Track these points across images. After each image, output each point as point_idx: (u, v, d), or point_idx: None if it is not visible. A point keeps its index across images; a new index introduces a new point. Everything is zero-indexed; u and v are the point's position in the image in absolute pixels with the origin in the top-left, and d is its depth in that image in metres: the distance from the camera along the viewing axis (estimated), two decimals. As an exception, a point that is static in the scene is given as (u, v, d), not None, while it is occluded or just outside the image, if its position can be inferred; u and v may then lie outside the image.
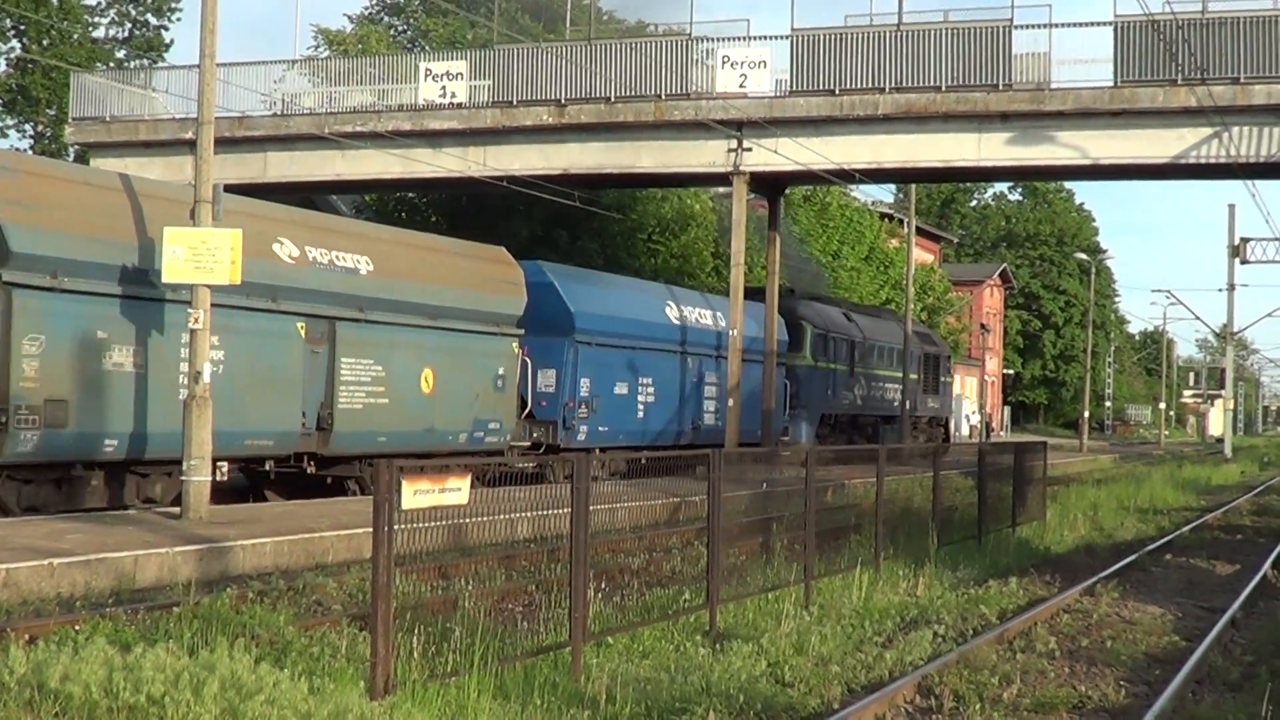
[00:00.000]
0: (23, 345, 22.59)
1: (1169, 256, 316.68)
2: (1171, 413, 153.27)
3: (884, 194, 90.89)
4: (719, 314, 44.76)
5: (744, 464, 20.36)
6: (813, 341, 51.62)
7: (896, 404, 59.11)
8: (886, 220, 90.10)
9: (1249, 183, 43.72)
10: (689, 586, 17.37)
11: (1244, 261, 65.86)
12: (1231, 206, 72.82)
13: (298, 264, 28.05)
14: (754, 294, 45.53)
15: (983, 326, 75.98)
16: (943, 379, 68.15)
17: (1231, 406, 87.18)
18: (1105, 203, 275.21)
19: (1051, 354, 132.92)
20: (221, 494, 26.62)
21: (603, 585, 17.50)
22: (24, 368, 22.57)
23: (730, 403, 40.89)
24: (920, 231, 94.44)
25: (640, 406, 40.24)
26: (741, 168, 40.69)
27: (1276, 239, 63.83)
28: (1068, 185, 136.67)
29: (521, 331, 34.93)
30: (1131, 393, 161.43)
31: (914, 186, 68.90)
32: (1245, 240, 66.12)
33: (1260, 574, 24.13)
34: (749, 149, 40.31)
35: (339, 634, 14.70)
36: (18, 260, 22.68)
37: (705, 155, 41.17)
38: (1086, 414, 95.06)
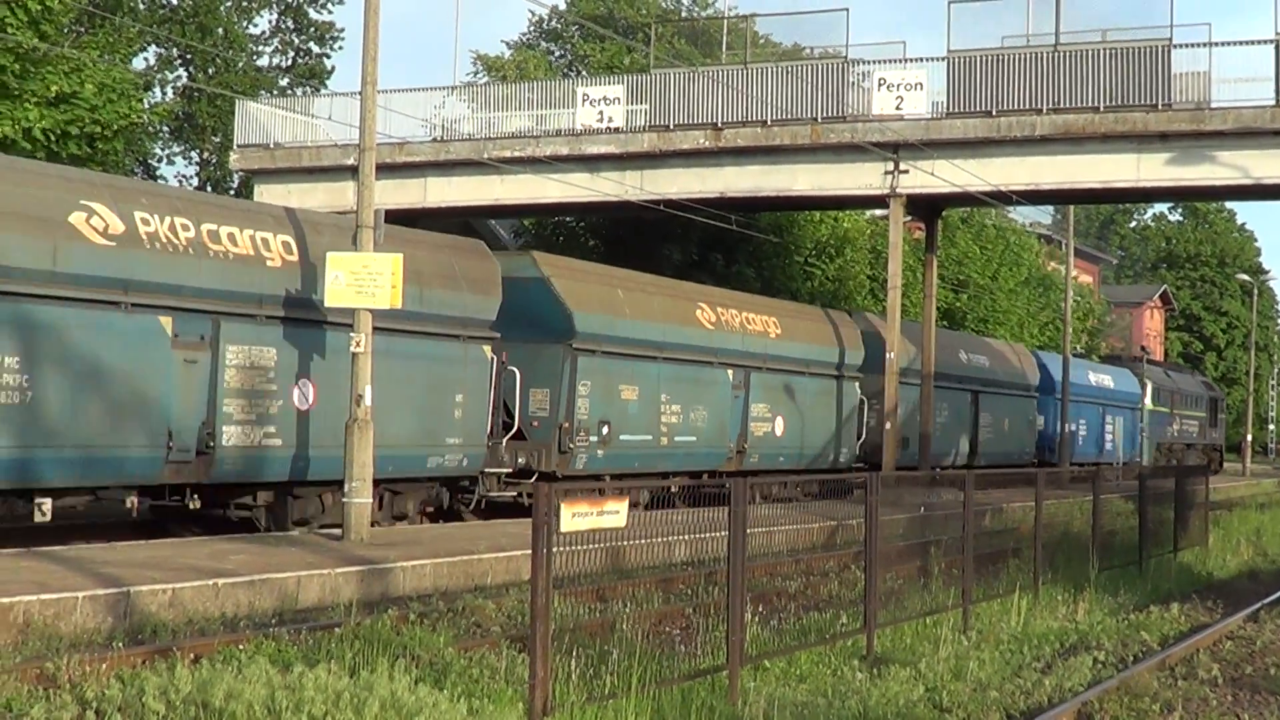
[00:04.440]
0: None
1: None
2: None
3: (1042, 216, 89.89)
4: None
5: (901, 487, 20.24)
6: (1152, 392, 72.11)
7: (1194, 436, 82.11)
8: (1045, 242, 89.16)
9: None
10: (846, 610, 17.28)
11: None
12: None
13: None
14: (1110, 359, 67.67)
15: (1143, 349, 74.94)
16: (1220, 416, 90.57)
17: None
18: (1268, 222, 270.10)
19: (1213, 376, 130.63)
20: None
21: (759, 609, 17.48)
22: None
23: (888, 426, 40.64)
24: (1079, 253, 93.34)
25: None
26: (898, 190, 40.51)
27: None
28: (1229, 205, 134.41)
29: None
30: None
31: (1072, 208, 68.07)
32: None
33: None
34: (905, 171, 40.10)
35: (498, 656, 14.77)
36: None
37: (861, 178, 41.02)
38: (1250, 437, 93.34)
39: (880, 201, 43.03)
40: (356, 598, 19.19)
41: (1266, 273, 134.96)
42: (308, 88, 62.06)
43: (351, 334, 24.14)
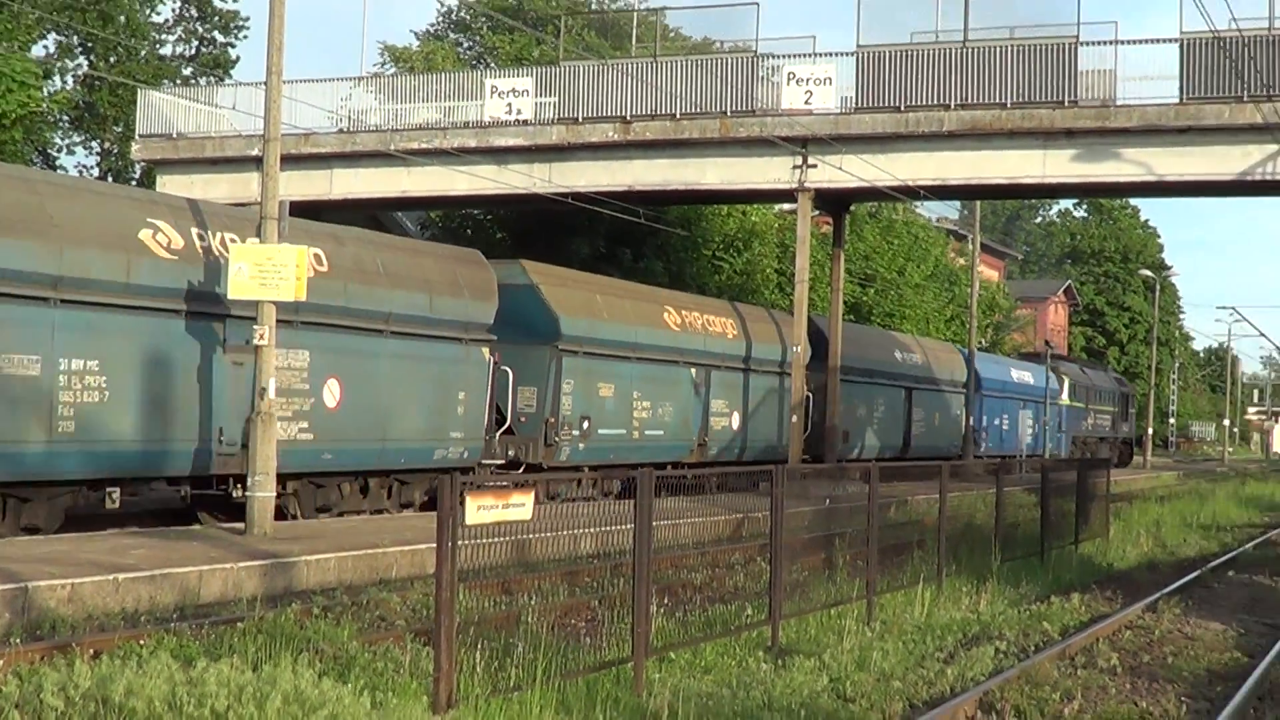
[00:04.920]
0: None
1: (1234, 273, 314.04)
2: (1236, 429, 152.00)
3: (949, 211, 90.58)
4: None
5: (807, 480, 20.31)
6: (1069, 388, 76.63)
7: (1108, 429, 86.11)
8: (952, 237, 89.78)
9: (1316, 199, 43.41)
10: (751, 602, 17.33)
11: (1311, 278, 65.27)
12: (1298, 223, 72.33)
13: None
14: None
15: (1047, 344, 75.59)
16: (1131, 410, 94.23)
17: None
18: (1170, 219, 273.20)
19: (1116, 370, 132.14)
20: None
21: (665, 601, 17.51)
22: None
23: (794, 419, 40.79)
24: (985, 248, 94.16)
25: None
26: (806, 184, 40.63)
27: (1344, 255, 63.33)
28: (1133, 202, 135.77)
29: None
30: (1196, 410, 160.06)
31: (979, 203, 68.60)
32: (1312, 257, 65.53)
33: (1326, 592, 23.92)
34: (814, 166, 40.25)
35: (402, 649, 14.74)
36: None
37: (770, 172, 41.11)
38: (1150, 431, 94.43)
39: (789, 196, 43.23)
40: (260, 592, 19.09)
41: (1168, 269, 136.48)
42: (212, 77, 61.57)
43: (255, 326, 24.04)
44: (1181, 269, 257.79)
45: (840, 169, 39.43)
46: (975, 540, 24.73)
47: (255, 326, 23.99)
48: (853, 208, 53.27)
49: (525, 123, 42.31)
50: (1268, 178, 37.50)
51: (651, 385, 38.37)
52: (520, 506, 12.29)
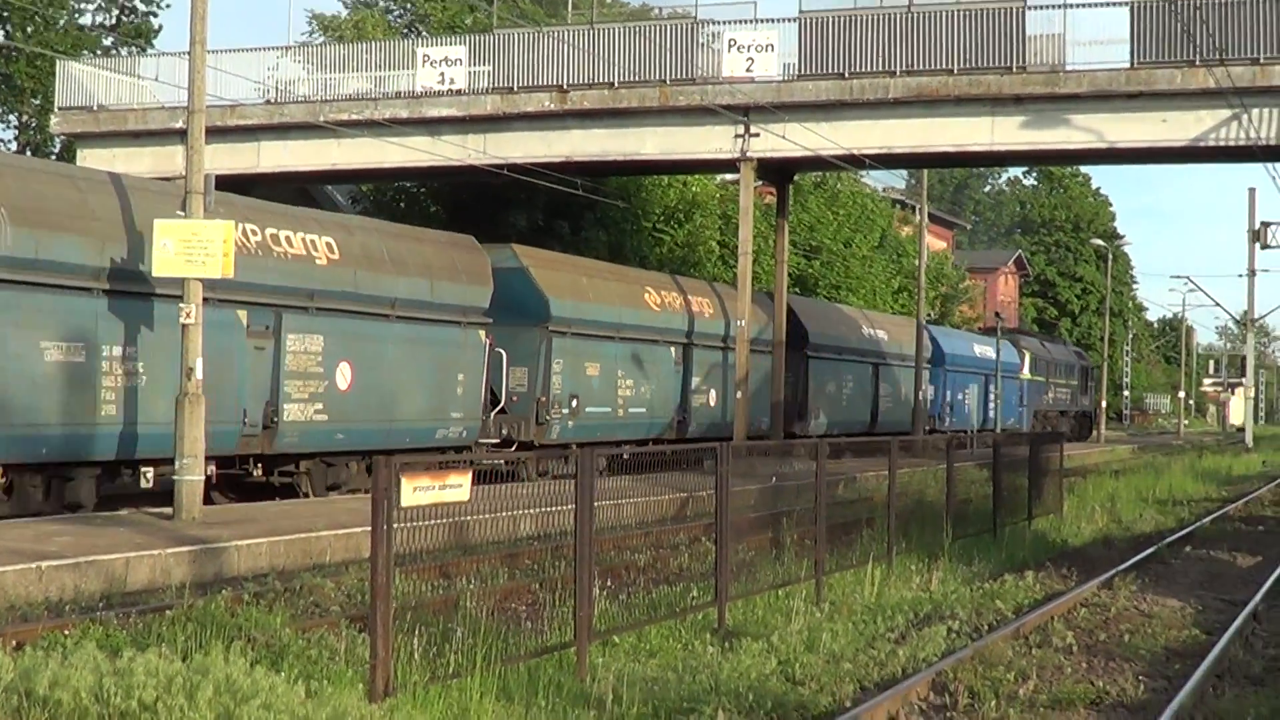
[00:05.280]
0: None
1: (1188, 242, 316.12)
2: (1191, 401, 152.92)
3: (896, 180, 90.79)
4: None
5: (753, 457, 20.34)
6: (1030, 362, 77.91)
7: (1067, 403, 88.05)
8: (898, 207, 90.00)
9: (1269, 165, 43.63)
10: (697, 584, 17.36)
11: (1265, 246, 65.74)
12: (1252, 190, 72.70)
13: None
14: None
15: (997, 315, 75.98)
16: (1090, 383, 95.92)
17: (1253, 395, 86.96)
18: (1122, 187, 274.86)
19: (1068, 342, 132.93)
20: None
21: (608, 583, 17.53)
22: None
23: (739, 395, 40.86)
24: (933, 218, 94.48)
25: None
26: (749, 154, 40.64)
27: (1298, 222, 63.73)
28: (1084, 170, 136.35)
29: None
30: (1150, 381, 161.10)
31: (926, 172, 68.78)
32: (1266, 224, 65.97)
33: (1283, 566, 24.10)
34: (756, 135, 40.24)
35: (337, 636, 14.69)
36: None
37: (711, 141, 41.10)
38: (1104, 404, 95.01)
39: (731, 165, 43.22)
40: (189, 579, 18.98)
41: (1121, 238, 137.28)
42: (133, 48, 61.01)
43: (181, 305, 23.91)
44: (1134, 238, 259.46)
45: (783, 138, 39.44)
46: (926, 518, 24.78)
47: (181, 305, 23.85)
48: (796, 178, 53.35)
49: (459, 93, 42.15)
50: (1221, 143, 37.73)
51: (634, 364, 40.77)
52: (458, 487, 12.25)
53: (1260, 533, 32.01)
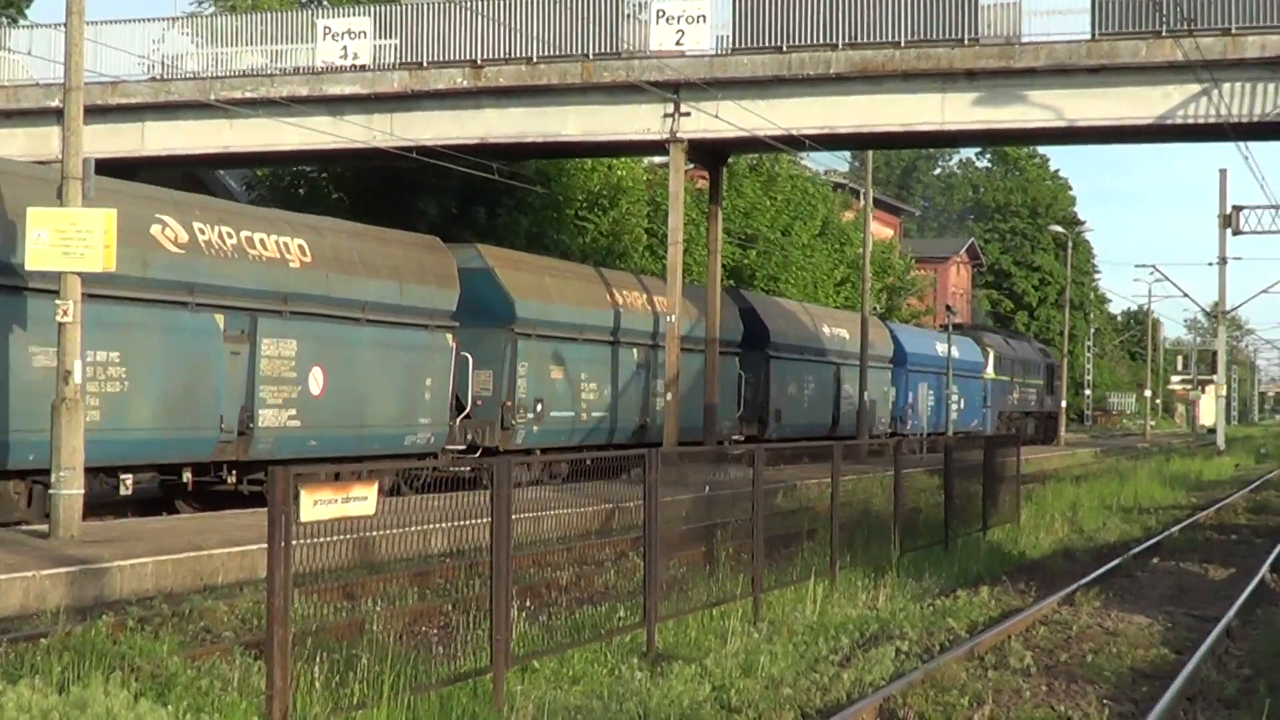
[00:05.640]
0: None
1: (1154, 228, 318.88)
2: (1158, 401, 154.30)
3: (838, 163, 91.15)
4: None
5: (684, 465, 20.33)
6: (994, 361, 79.50)
7: (1033, 404, 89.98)
8: (841, 192, 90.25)
9: (1241, 145, 43.98)
10: (624, 603, 17.31)
11: (1236, 232, 66.28)
12: (1222, 172, 73.66)
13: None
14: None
15: (948, 308, 76.36)
16: (1056, 383, 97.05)
17: (1224, 393, 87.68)
18: (1083, 170, 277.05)
19: (1032, 339, 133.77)
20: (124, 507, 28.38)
21: (528, 603, 17.47)
22: None
23: (670, 397, 40.91)
24: (878, 204, 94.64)
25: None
26: (679, 134, 40.66)
27: (1272, 206, 64.21)
28: (1041, 150, 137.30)
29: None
30: (1114, 379, 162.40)
31: (870, 153, 68.97)
32: (1238, 209, 66.50)
33: (1257, 578, 24.29)
34: (687, 114, 40.27)
35: (231, 664, 14.59)
36: None
37: (638, 121, 41.09)
38: (1064, 403, 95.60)
39: (659, 147, 43.23)
40: (66, 603, 18.83)
41: (1081, 224, 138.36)
42: (3, 18, 60.57)
43: (57, 301, 23.69)
44: (1096, 224, 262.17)
45: (716, 117, 39.46)
46: (873, 529, 24.85)
47: (58, 302, 23.63)
48: (731, 160, 53.46)
49: (363, 68, 41.99)
50: (1189, 121, 37.96)
51: (597, 367, 42.38)
52: (362, 500, 12.18)
53: (1233, 542, 32.27)
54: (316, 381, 31.18)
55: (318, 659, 12.38)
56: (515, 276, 39.13)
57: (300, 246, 31.29)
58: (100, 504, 27.35)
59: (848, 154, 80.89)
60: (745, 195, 72.18)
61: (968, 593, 21.95)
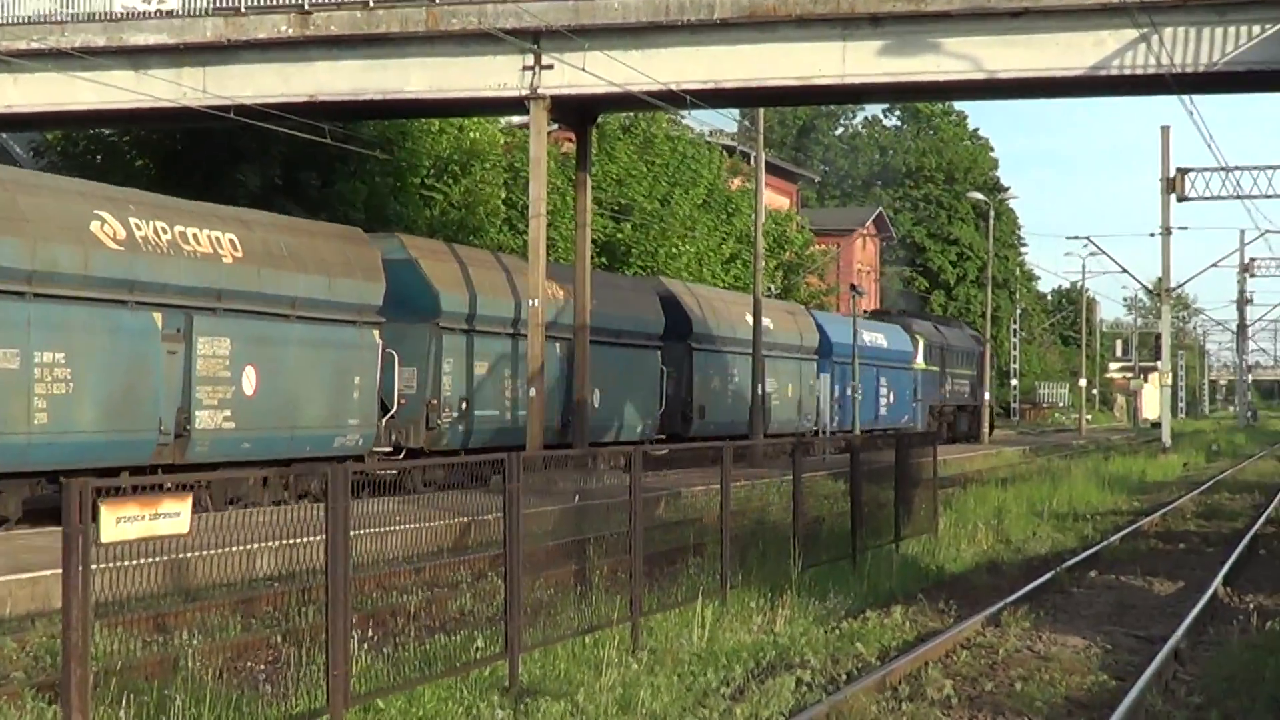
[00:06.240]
0: None
1: (1088, 196, 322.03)
2: (1095, 391, 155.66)
3: (726, 122, 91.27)
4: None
5: (552, 470, 20.33)
6: (924, 349, 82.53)
7: (966, 396, 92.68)
8: (729, 155, 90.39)
9: (1186, 99, 44.41)
10: (482, 631, 17.32)
11: (1181, 199, 67.11)
12: (1165, 129, 73.83)
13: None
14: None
15: (853, 288, 76.46)
16: (990, 373, 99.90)
17: (1170, 382, 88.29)
18: (1007, 129, 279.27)
19: (964, 324, 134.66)
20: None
21: (370, 633, 17.43)
22: None
23: (533, 392, 40.85)
24: (772, 169, 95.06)
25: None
26: (540, 90, 40.59)
27: (1221, 169, 64.98)
28: (958, 107, 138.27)
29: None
30: (1044, 367, 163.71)
31: (762, 111, 69.14)
32: (1182, 172, 67.34)
33: (1209, 593, 24.57)
34: (550, 66, 40.21)
35: (20, 709, 14.47)
36: None
37: (494, 75, 40.96)
38: (988, 395, 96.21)
39: (518, 105, 43.03)
40: None
41: (1005, 190, 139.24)
42: None
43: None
44: (1022, 191, 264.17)
45: (583, 70, 39.43)
46: (770, 542, 24.96)
47: None
48: (601, 120, 53.53)
49: (170, 14, 41.69)
50: (1126, 71, 38.20)
51: (520, 363, 43.96)
52: (174, 517, 12.10)
53: (1181, 552, 32.65)
54: (250, 381, 33.66)
55: (124, 702, 12.31)
56: (439, 267, 41.54)
57: (231, 241, 33.86)
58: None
59: (736, 112, 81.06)
60: (618, 160, 72.23)
61: (878, 614, 22.09)
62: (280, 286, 35.07)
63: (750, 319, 60.53)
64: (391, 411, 38.90)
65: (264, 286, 34.52)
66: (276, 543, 14.40)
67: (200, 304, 32.68)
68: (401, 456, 38.34)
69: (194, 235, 32.96)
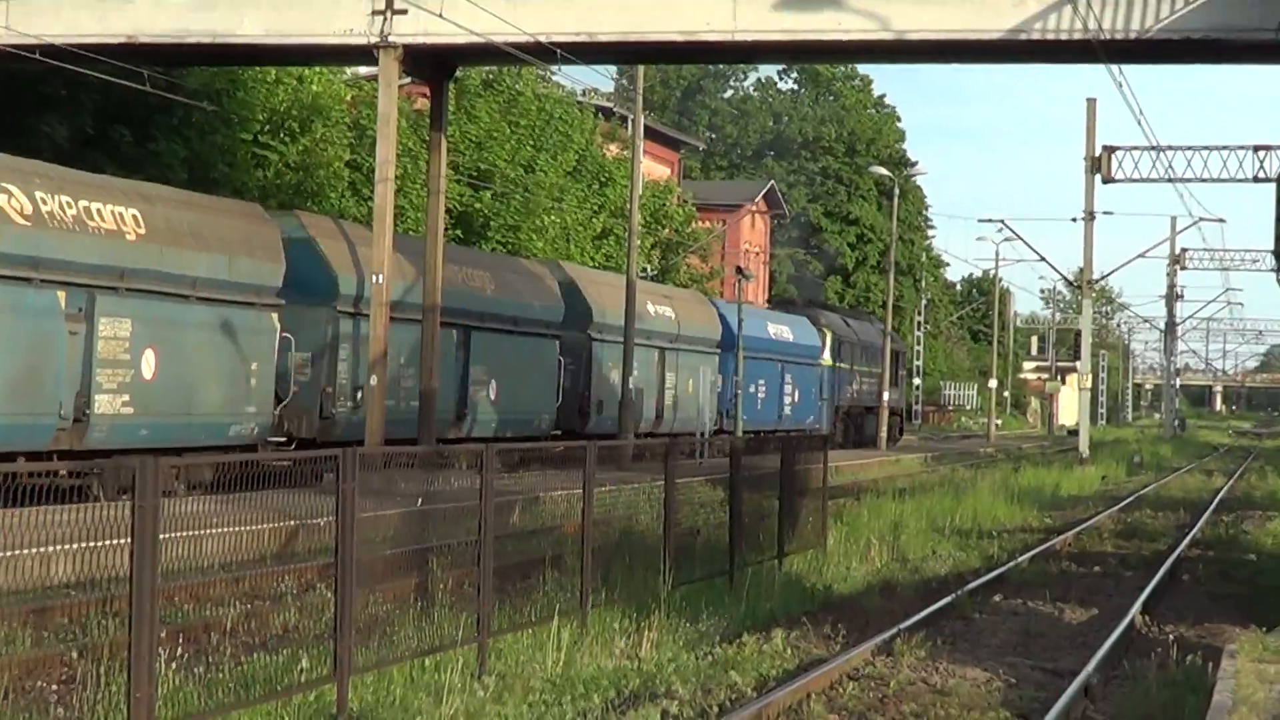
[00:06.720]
0: None
1: (1005, 175, 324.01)
2: (1007, 394, 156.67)
3: (601, 80, 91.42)
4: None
5: (394, 470, 20.28)
6: (831, 345, 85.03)
7: (875, 396, 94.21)
8: (604, 119, 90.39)
9: (1114, 69, 44.66)
10: (308, 649, 17.24)
11: (1107, 180, 67.60)
12: (1091, 102, 74.18)
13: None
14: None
15: (740, 271, 76.57)
16: (901, 372, 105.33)
17: (1090, 385, 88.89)
18: (915, 98, 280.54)
19: (875, 318, 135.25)
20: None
21: (180, 651, 17.31)
22: None
23: (374, 380, 40.71)
24: (652, 134, 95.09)
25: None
26: (391, 38, 40.48)
27: (1152, 148, 65.41)
28: (861, 70, 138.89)
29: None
30: (951, 365, 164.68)
31: (641, 69, 69.21)
32: (1109, 150, 67.81)
33: (1125, 621, 24.78)
34: (403, 11, 40.09)
35: None
36: None
37: (338, 20, 40.84)
38: (886, 395, 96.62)
39: (366, 54, 42.88)
40: None
41: (912, 165, 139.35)
42: None
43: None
44: (930, 167, 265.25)
45: (441, 17, 39.35)
46: (637, 555, 24.97)
47: None
48: (460, 74, 53.47)
49: (-35, -64, 41.32)
50: (1049, 36, 38.42)
51: (416, 351, 45.28)
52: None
53: (1096, 576, 32.92)
54: (149, 365, 35.49)
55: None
56: (337, 247, 43.55)
57: (135, 217, 35.69)
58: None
59: (613, 69, 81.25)
60: (478, 120, 72.04)
61: (756, 638, 22.15)
62: (182, 266, 36.83)
63: (653, 309, 62.12)
64: (285, 400, 40.49)
65: (166, 265, 36.27)
66: (77, 545, 14.26)
67: (103, 283, 34.23)
68: (293, 448, 38.83)
69: (98, 211, 34.62)
